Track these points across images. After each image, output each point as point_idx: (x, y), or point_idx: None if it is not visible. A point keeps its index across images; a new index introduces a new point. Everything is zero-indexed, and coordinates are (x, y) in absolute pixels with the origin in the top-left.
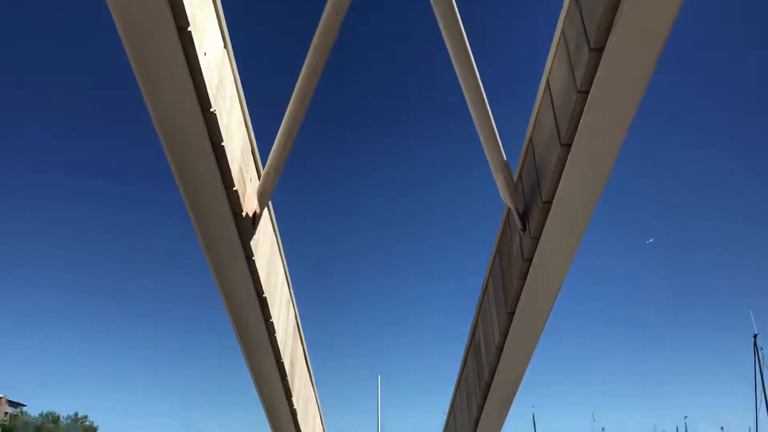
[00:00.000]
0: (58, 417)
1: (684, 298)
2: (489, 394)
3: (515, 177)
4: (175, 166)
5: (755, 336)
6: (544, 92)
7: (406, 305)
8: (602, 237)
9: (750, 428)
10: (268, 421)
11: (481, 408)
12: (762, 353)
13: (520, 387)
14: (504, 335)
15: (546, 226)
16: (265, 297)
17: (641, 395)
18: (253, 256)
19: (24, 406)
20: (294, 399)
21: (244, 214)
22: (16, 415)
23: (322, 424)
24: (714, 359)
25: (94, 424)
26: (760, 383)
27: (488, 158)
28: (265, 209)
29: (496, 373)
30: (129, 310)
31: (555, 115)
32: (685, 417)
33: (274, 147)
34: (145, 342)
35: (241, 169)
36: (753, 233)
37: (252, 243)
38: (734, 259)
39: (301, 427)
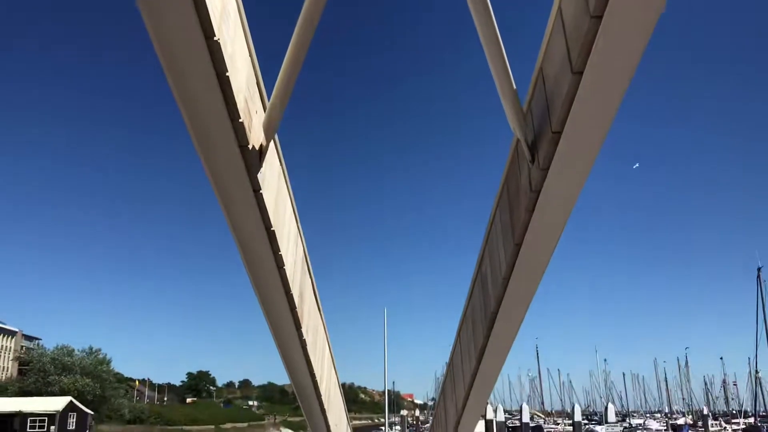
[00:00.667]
0: (73, 350)
1: (688, 234)
2: (495, 323)
3: (525, 107)
4: (180, 99)
5: (759, 269)
6: (555, 18)
7: (412, 239)
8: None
9: (749, 358)
10: (279, 352)
11: (486, 337)
12: (765, 286)
13: (525, 318)
14: (511, 267)
15: (555, 156)
16: (274, 230)
17: (643, 329)
18: (260, 189)
19: (39, 339)
20: (303, 329)
21: (250, 147)
22: (32, 349)
23: (331, 354)
24: (715, 294)
25: (108, 357)
26: (762, 315)
27: (498, 88)
28: (272, 142)
29: (502, 304)
30: (140, 249)
31: (567, 41)
32: (686, 348)
33: (279, 78)
34: (157, 281)
35: (246, 101)
36: (760, 170)
37: (259, 176)
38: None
39: (311, 357)
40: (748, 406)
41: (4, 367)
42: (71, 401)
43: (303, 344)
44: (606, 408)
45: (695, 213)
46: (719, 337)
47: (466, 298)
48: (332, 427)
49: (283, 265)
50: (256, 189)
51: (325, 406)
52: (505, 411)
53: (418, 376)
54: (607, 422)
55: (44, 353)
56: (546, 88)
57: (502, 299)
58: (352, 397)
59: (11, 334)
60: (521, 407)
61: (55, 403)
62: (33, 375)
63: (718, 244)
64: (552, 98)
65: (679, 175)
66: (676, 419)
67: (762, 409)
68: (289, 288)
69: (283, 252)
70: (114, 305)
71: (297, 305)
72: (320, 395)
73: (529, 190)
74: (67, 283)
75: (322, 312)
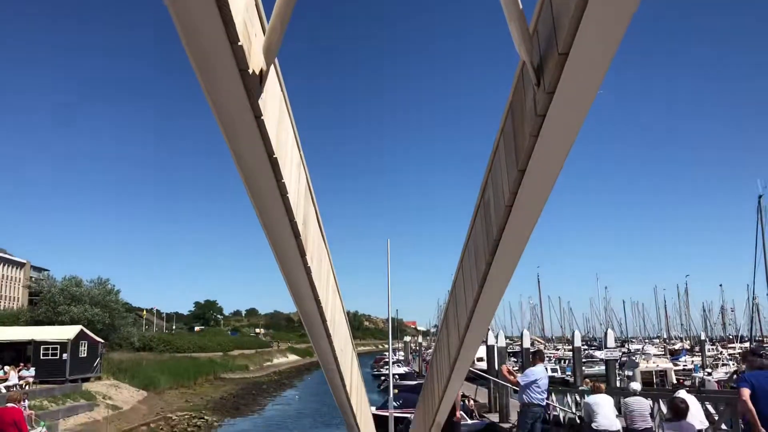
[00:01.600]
0: (81, 281)
1: (690, 162)
2: (497, 251)
3: (531, 28)
4: (179, 23)
5: (760, 197)
6: None
7: (415, 170)
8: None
9: (748, 285)
10: (285, 279)
11: (489, 264)
12: (765, 213)
13: (527, 247)
14: (514, 193)
15: (561, 79)
16: (276, 158)
17: (643, 257)
18: (261, 115)
19: (47, 270)
20: (308, 257)
21: (250, 71)
22: (41, 279)
23: (336, 281)
24: (716, 223)
25: (116, 288)
26: (761, 243)
27: (503, 7)
28: (272, 68)
29: (505, 231)
30: (146, 181)
31: None
32: (686, 276)
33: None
34: (163, 212)
35: (245, 24)
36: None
37: (260, 102)
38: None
39: (316, 284)
40: (744, 332)
41: (14, 297)
42: (82, 330)
43: (308, 272)
44: (605, 334)
45: (697, 140)
46: (719, 265)
47: (468, 227)
48: (338, 352)
49: (287, 193)
50: (258, 115)
51: (331, 332)
52: (506, 337)
53: (421, 304)
54: (606, 347)
55: (53, 284)
56: (553, 8)
57: (505, 227)
58: (357, 324)
59: (20, 265)
60: (522, 333)
61: (67, 332)
62: (43, 305)
63: (720, 172)
64: (559, 18)
65: (683, 102)
66: (673, 344)
67: (758, 334)
68: (293, 216)
69: (285, 179)
70: (120, 237)
71: (301, 233)
72: (326, 321)
73: (534, 115)
74: (73, 215)
75: (326, 240)
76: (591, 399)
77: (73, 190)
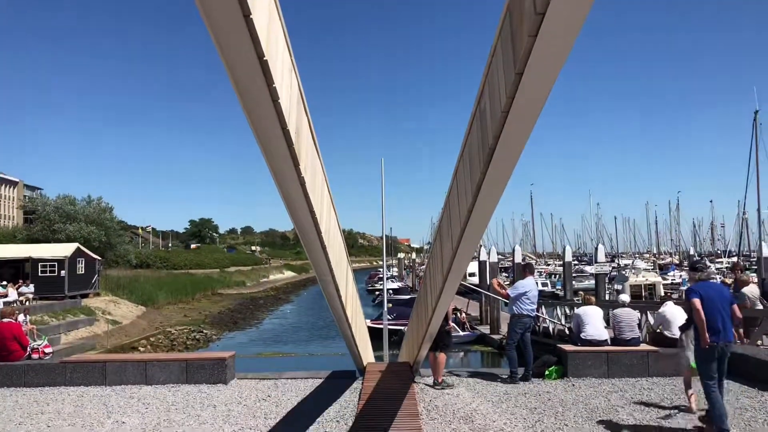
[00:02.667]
0: (75, 199)
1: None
2: (492, 160)
3: None
4: None
5: (756, 112)
6: None
7: (410, 85)
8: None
9: (738, 201)
10: (279, 191)
11: (483, 174)
12: (761, 129)
13: (521, 165)
14: (511, 98)
15: None
16: (267, 60)
17: (635, 174)
18: (251, 14)
19: (41, 189)
20: (301, 167)
21: None
22: (34, 198)
23: (330, 195)
24: (708, 139)
25: (110, 205)
26: (755, 158)
27: None
28: None
29: (500, 139)
30: (137, 97)
31: None
32: (678, 192)
33: None
34: (155, 129)
35: None
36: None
37: (249, 1)
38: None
39: (310, 195)
40: (732, 247)
41: (9, 216)
42: (78, 247)
43: (302, 182)
44: (596, 249)
45: (693, 51)
46: (711, 181)
47: (463, 138)
48: (333, 264)
49: (278, 99)
50: (246, 14)
51: (326, 244)
52: (498, 254)
53: (415, 222)
54: (596, 262)
55: (47, 202)
56: None
57: (500, 134)
58: (352, 242)
59: (13, 184)
60: (513, 249)
61: (64, 249)
62: (39, 223)
63: (715, 84)
64: None
65: (678, 11)
66: (663, 259)
67: (746, 249)
68: (285, 123)
69: (277, 84)
70: (113, 155)
71: (294, 141)
72: (320, 233)
73: (534, 13)
74: (63, 133)
75: (320, 154)
76: (580, 310)
77: (63, 108)
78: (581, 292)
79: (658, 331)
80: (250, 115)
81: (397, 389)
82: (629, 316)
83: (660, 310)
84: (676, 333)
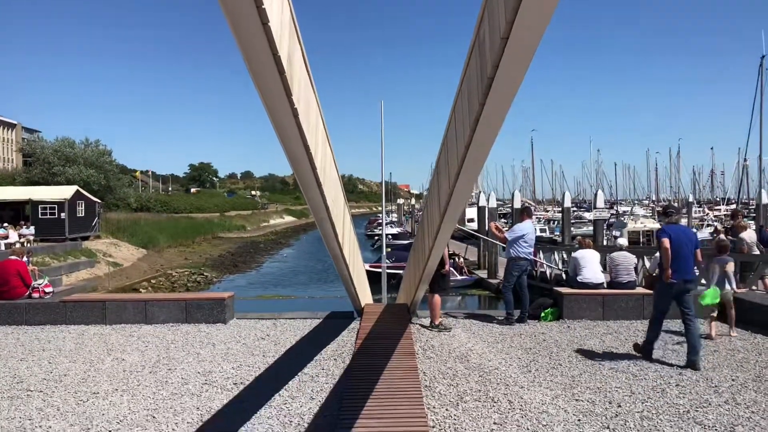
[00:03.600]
0: (74, 142)
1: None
2: (491, 90)
3: None
4: None
5: (762, 57)
6: None
7: (409, 25)
8: None
9: (739, 148)
10: (271, 122)
11: (482, 105)
12: (766, 75)
13: (522, 112)
14: (510, 23)
15: None
16: None
17: (637, 120)
18: None
19: (39, 132)
20: (294, 98)
21: None
22: (33, 141)
23: (326, 132)
24: (711, 84)
25: (109, 148)
26: (759, 105)
27: None
28: None
29: (500, 68)
30: (136, 39)
31: None
32: (679, 139)
33: None
34: (153, 72)
35: None
36: None
37: None
38: None
39: (304, 128)
40: (732, 194)
41: (8, 158)
42: (78, 190)
43: (294, 113)
44: (595, 195)
45: None
46: (712, 129)
47: (462, 71)
48: (329, 202)
49: (268, 21)
50: None
51: (321, 180)
52: (497, 200)
53: (414, 168)
54: (595, 208)
55: (46, 145)
56: None
57: (500, 63)
58: (351, 188)
59: (11, 126)
60: (513, 195)
61: (63, 192)
62: (38, 166)
63: (721, 28)
64: None
65: None
66: (662, 206)
67: (745, 197)
68: (276, 49)
69: (266, 6)
70: (112, 98)
71: (285, 69)
72: (315, 169)
73: None
74: (63, 76)
75: (314, 86)
76: (578, 253)
77: (62, 50)
78: (579, 237)
79: (655, 275)
80: (239, 39)
81: (394, 329)
82: (626, 259)
83: (657, 254)
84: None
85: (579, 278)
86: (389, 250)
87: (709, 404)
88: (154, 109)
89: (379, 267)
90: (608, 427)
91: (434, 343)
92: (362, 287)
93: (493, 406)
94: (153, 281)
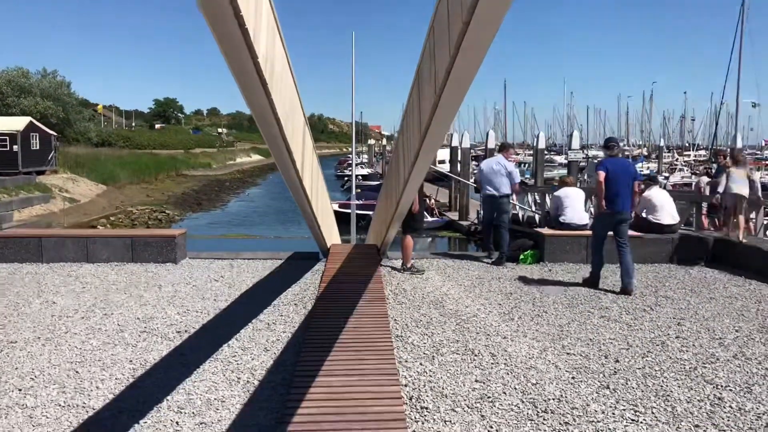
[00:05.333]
0: (28, 72)
1: None
2: (467, 32)
3: None
4: None
5: None
6: None
7: None
8: None
9: (712, 93)
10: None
11: (458, 47)
12: (747, 15)
13: (494, 58)
14: None
15: None
16: None
17: (610, 65)
18: None
19: None
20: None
21: None
22: None
23: (276, 22)
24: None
25: (67, 80)
26: (738, 47)
27: None
28: None
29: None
30: None
31: None
32: (653, 83)
33: None
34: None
35: None
36: None
37: None
38: None
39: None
40: (700, 140)
41: None
42: (31, 121)
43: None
44: (570, 136)
45: None
46: (686, 74)
47: (432, 11)
48: (281, 115)
49: None
50: None
51: (265, 76)
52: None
53: (386, 110)
54: (570, 149)
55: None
56: None
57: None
58: (322, 127)
59: None
60: (487, 134)
61: (16, 123)
62: None
63: None
64: None
65: None
66: (631, 151)
67: (719, 142)
68: None
69: None
70: (72, 27)
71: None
72: (255, 56)
73: None
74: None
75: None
76: (561, 192)
77: None
78: (557, 177)
79: (643, 215)
80: None
81: (362, 272)
82: None
83: (645, 194)
84: (662, 218)
85: (561, 219)
86: (359, 191)
87: (717, 359)
88: (119, 41)
89: (348, 206)
90: (608, 387)
91: (406, 286)
92: (328, 226)
93: (474, 360)
94: (112, 218)
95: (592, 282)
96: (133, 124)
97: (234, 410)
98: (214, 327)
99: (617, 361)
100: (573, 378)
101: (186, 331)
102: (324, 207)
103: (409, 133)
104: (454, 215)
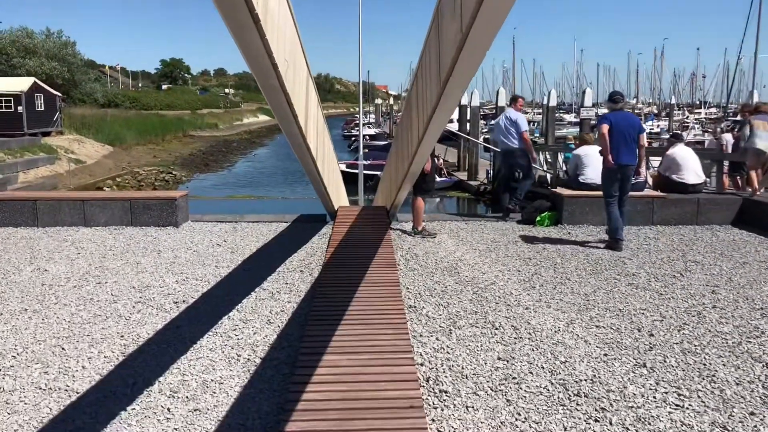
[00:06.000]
0: (33, 32)
1: None
2: None
3: None
4: None
5: None
6: None
7: None
8: None
9: (726, 48)
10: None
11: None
12: None
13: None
14: None
15: None
16: None
17: (621, 21)
18: None
19: None
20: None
21: None
22: None
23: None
24: None
25: (72, 40)
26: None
27: None
28: None
29: None
30: None
31: None
32: (665, 39)
33: None
34: None
35: None
36: None
37: None
38: None
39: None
40: (710, 98)
41: None
42: (35, 82)
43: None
44: (583, 93)
45: None
46: (699, 29)
47: None
48: (279, 61)
49: None
50: None
51: (261, 16)
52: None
53: (393, 69)
54: (583, 106)
55: (2, 35)
56: None
57: None
58: (328, 87)
59: None
60: (497, 92)
61: (19, 84)
62: None
63: None
64: None
65: None
66: (641, 109)
67: (724, 101)
68: None
69: None
70: None
71: None
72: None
73: None
74: None
75: None
76: (580, 150)
77: None
78: (570, 136)
79: (666, 175)
80: None
81: (371, 236)
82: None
83: (669, 152)
84: (687, 177)
85: (581, 178)
86: (366, 150)
87: (762, 333)
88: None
89: (355, 167)
90: (644, 365)
91: (418, 251)
92: (335, 188)
93: (495, 334)
94: (118, 179)
95: (613, 244)
96: (140, 85)
97: (233, 393)
98: (214, 296)
99: (651, 334)
100: (605, 355)
101: (184, 301)
102: (331, 168)
103: (424, 85)
104: (462, 175)
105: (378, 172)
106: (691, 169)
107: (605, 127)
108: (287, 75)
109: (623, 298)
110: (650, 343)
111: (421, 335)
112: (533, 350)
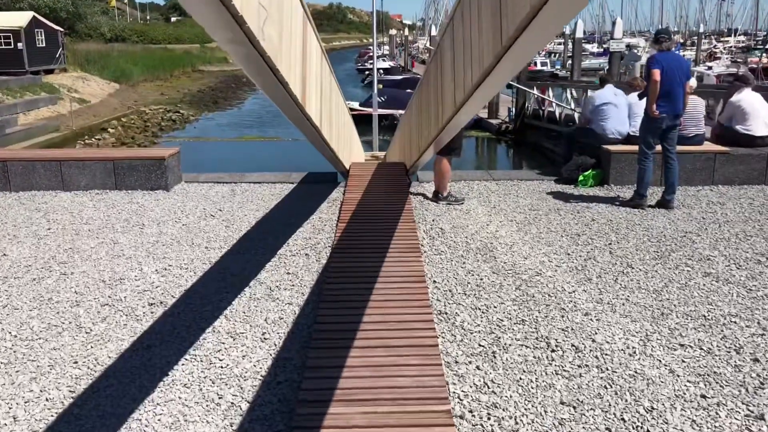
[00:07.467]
0: None
1: None
2: None
3: None
4: None
5: None
6: None
7: None
8: None
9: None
10: None
11: None
12: None
13: None
14: None
15: None
16: None
17: None
18: None
19: None
20: None
21: None
22: None
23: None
24: None
25: None
26: None
27: None
28: None
29: None
30: None
31: None
32: None
33: None
34: None
35: None
36: None
37: None
38: None
39: None
40: (738, 25)
41: None
42: (35, 16)
43: None
44: (614, 23)
45: None
46: None
47: None
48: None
49: None
50: None
51: None
52: None
53: None
54: (613, 39)
55: None
56: None
57: None
58: (341, 17)
59: None
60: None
61: (17, 19)
62: None
63: None
64: None
65: None
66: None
67: (752, 28)
68: None
69: None
70: None
71: None
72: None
73: None
74: None
75: None
76: (631, 97)
77: None
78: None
79: (729, 125)
80: None
81: (388, 204)
82: (693, 106)
83: (733, 98)
84: (754, 128)
85: (631, 131)
86: (381, 87)
87: None
88: None
89: (369, 106)
90: (762, 417)
91: (444, 225)
92: (347, 144)
93: (553, 359)
94: (124, 120)
95: (638, 201)
96: (148, 18)
97: None
98: (199, 295)
99: (756, 359)
100: (703, 397)
101: (161, 302)
102: (341, 123)
103: (471, 31)
104: (482, 113)
105: (393, 111)
106: (761, 119)
107: (657, 73)
108: (266, 30)
109: (704, 297)
110: (759, 375)
111: (456, 361)
112: (605, 388)
